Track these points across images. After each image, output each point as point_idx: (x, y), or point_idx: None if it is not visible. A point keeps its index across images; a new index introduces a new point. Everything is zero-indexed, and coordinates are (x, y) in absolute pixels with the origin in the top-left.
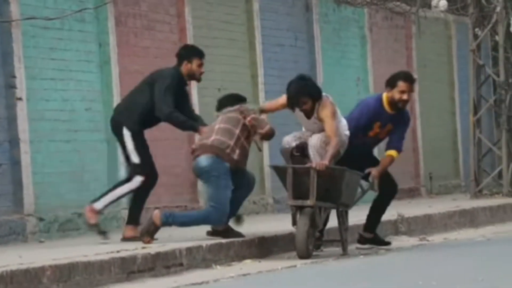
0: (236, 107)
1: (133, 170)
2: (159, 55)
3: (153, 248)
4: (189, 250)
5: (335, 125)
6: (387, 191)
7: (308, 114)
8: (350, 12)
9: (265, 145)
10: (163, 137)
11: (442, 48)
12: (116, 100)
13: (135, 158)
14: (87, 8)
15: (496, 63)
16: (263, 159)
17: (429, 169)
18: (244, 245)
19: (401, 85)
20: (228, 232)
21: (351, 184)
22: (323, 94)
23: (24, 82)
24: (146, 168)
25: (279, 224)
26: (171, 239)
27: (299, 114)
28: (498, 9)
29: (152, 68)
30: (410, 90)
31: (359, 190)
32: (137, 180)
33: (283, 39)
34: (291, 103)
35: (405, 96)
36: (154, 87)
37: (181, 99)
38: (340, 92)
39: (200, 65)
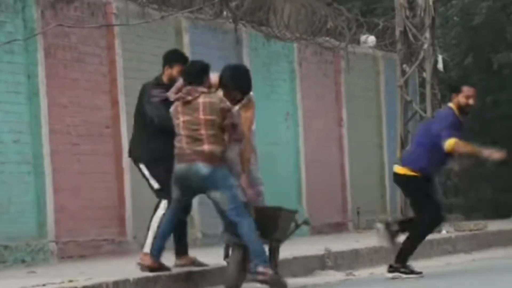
0: (214, 95)
1: (157, 196)
2: (89, 87)
3: (80, 282)
4: (115, 284)
5: (251, 128)
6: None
7: (232, 102)
8: (280, 47)
9: None
10: (90, 170)
11: (370, 83)
12: (45, 131)
13: (155, 184)
14: (16, 39)
15: (423, 99)
16: None
17: (356, 204)
18: (171, 279)
19: (466, 90)
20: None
21: (286, 220)
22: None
23: None
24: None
25: (208, 258)
26: (99, 273)
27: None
28: (425, 46)
29: (82, 100)
30: (475, 95)
31: (293, 224)
32: (164, 203)
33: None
34: (222, 89)
35: (471, 101)
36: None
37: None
38: (269, 127)
39: (182, 71)
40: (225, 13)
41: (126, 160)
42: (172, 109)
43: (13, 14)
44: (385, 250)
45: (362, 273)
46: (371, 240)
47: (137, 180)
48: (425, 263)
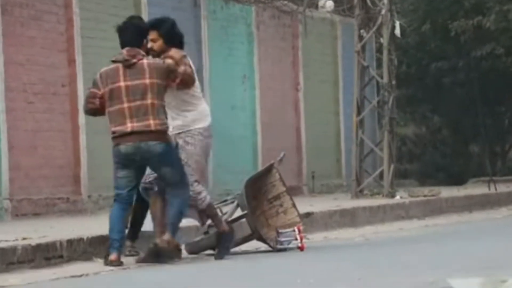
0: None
1: None
2: (46, 45)
3: (34, 239)
4: (69, 242)
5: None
6: None
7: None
8: (238, 10)
9: None
10: (45, 128)
11: (327, 48)
12: (1, 89)
13: None
14: None
15: (380, 65)
16: None
17: (311, 168)
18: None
19: None
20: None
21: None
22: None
23: None
24: None
25: None
26: (53, 232)
27: None
28: (383, 11)
29: (38, 58)
30: None
31: None
32: None
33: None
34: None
35: None
36: None
37: None
38: (227, 89)
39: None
40: None
41: (82, 119)
42: (104, 74)
43: None
44: (339, 215)
45: (316, 237)
46: (325, 204)
47: (92, 139)
48: (378, 228)
